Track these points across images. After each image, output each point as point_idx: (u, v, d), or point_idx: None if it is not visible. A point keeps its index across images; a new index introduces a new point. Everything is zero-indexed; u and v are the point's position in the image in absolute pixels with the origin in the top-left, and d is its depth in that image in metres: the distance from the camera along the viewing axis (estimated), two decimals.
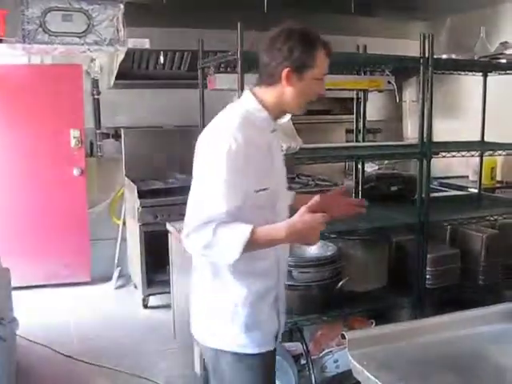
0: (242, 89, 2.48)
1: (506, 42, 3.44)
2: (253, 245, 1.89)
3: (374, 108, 5.99)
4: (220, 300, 2.08)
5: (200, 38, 3.10)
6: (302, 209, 1.93)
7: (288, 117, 2.56)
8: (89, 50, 4.50)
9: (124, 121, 5.62)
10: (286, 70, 1.97)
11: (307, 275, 2.82)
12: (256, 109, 2.05)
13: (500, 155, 3.67)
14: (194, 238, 1.91)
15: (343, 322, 3.22)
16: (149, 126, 5.63)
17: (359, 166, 3.64)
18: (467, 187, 4.77)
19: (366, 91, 3.61)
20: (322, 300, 2.87)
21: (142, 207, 4.77)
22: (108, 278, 5.60)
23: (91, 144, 5.59)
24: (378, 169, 4.76)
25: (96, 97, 5.53)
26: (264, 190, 2.01)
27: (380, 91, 5.45)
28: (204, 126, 3.15)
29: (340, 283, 2.87)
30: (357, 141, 3.66)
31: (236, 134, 1.93)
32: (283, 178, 2.21)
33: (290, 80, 1.99)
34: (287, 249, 2.23)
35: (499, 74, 3.62)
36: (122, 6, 4.49)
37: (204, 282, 2.14)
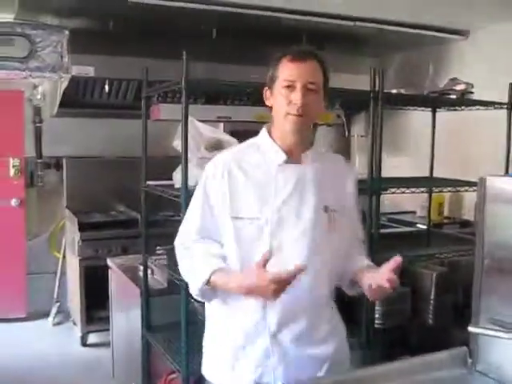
0: (187, 120, 2.37)
1: (455, 79, 3.43)
2: (214, 288, 1.94)
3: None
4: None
5: (144, 67, 2.98)
6: (255, 265, 1.82)
7: None
8: (30, 75, 4.32)
9: (66, 150, 5.43)
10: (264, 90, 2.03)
11: None
12: (264, 141, 2.06)
13: (449, 191, 3.64)
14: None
15: None
16: (92, 156, 5.47)
17: None
18: (416, 223, 4.73)
19: (315, 125, 3.54)
20: None
21: (82, 241, 4.58)
22: (46, 314, 5.35)
23: (31, 174, 5.39)
24: None
25: (38, 125, 5.36)
26: (247, 218, 1.97)
27: (329, 125, 5.48)
28: (147, 157, 3.08)
29: None
30: None
31: (219, 159, 2.04)
32: (295, 213, 2.01)
33: (268, 98, 2.03)
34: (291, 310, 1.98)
35: (448, 109, 3.62)
36: (66, 32, 4.34)
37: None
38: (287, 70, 1.95)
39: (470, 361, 1.89)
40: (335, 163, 2.18)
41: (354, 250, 2.14)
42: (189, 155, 2.47)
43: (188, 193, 2.44)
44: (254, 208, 1.98)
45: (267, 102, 2.04)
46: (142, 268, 3.17)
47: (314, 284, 2.00)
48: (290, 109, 1.94)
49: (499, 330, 1.72)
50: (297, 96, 1.92)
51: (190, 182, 2.55)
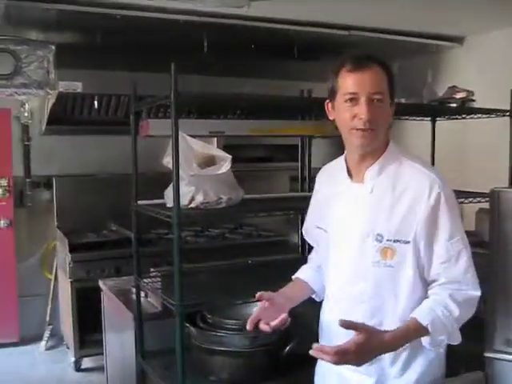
0: (177, 135, 2.23)
1: (455, 87, 3.31)
2: None
3: (320, 155, 5.84)
4: None
5: (133, 81, 2.85)
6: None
7: (227, 167, 2.37)
8: (16, 93, 4.18)
9: (56, 169, 5.31)
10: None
11: (250, 339, 2.54)
12: (338, 160, 2.05)
13: None
14: None
15: None
16: (82, 174, 5.33)
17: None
18: None
19: (311, 137, 3.43)
20: (268, 366, 2.59)
21: (74, 262, 4.43)
22: (39, 338, 5.20)
23: (21, 193, 5.24)
24: None
25: (26, 143, 5.22)
26: (322, 229, 2.06)
27: (325, 137, 5.35)
28: (137, 175, 2.94)
29: (288, 347, 2.61)
30: (302, 188, 3.46)
31: (319, 173, 2.21)
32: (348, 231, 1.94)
33: (330, 112, 1.94)
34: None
35: (448, 118, 3.50)
36: (53, 47, 4.21)
37: None
38: (348, 82, 1.82)
39: None
40: (408, 179, 1.86)
41: (420, 293, 1.86)
42: (180, 173, 2.33)
43: (180, 212, 2.31)
44: (324, 220, 2.05)
45: (330, 116, 1.95)
46: (134, 291, 3.03)
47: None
48: (356, 123, 1.81)
49: None
50: (362, 110, 1.79)
51: (183, 201, 2.42)
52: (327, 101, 1.93)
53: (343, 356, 1.64)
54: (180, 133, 2.34)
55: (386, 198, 1.85)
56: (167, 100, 2.25)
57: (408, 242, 1.80)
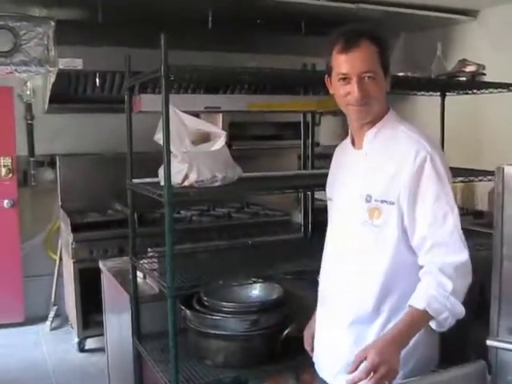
0: (168, 110, 2.13)
1: (465, 60, 3.17)
2: None
3: (328, 132, 5.73)
4: None
5: (127, 55, 2.75)
6: None
7: (221, 143, 2.29)
8: (16, 70, 4.08)
9: (60, 148, 5.20)
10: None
11: (248, 323, 2.46)
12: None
13: (461, 182, 3.39)
14: None
15: (293, 374, 2.86)
16: (87, 153, 5.23)
17: (309, 196, 3.33)
18: None
19: (314, 113, 3.31)
20: (266, 350, 2.52)
21: (76, 242, 4.36)
22: (44, 318, 5.16)
23: (24, 173, 5.16)
24: None
25: (29, 122, 5.13)
26: (331, 199, 2.12)
27: (335, 114, 5.23)
28: (132, 153, 2.84)
29: (286, 330, 2.52)
30: (305, 167, 3.36)
31: (336, 149, 2.22)
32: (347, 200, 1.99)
33: (328, 86, 1.99)
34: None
35: (458, 93, 3.36)
36: (52, 23, 4.10)
37: None
38: (339, 63, 1.87)
39: (489, 377, 1.65)
40: (396, 143, 1.90)
41: (404, 256, 1.86)
42: (172, 150, 2.24)
43: (172, 191, 2.21)
44: (330, 189, 2.15)
45: (330, 91, 1.99)
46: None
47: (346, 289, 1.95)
48: (350, 100, 1.87)
49: None
50: (354, 89, 1.84)
51: (175, 179, 2.32)
52: (326, 76, 1.98)
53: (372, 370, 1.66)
54: (172, 108, 2.25)
55: (377, 160, 1.91)
56: (157, 74, 2.16)
57: (393, 203, 1.82)
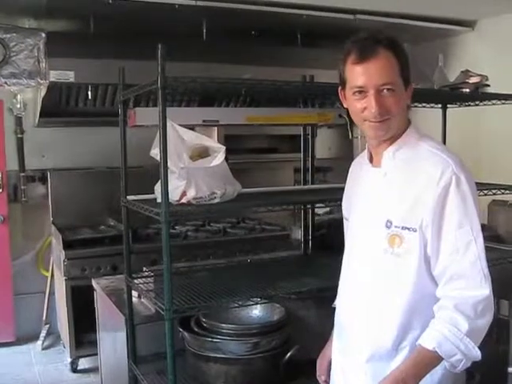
0: (165, 124, 2.04)
1: (468, 71, 3.09)
2: None
3: (324, 145, 5.66)
4: None
5: (121, 67, 2.66)
6: None
7: (221, 158, 2.19)
8: (6, 83, 3.98)
9: (51, 162, 5.10)
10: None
11: (249, 345, 2.35)
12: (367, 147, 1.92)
13: None
14: None
15: None
16: (79, 167, 5.12)
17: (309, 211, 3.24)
18: None
19: (314, 126, 3.22)
20: (268, 374, 2.41)
21: (68, 259, 4.22)
22: (35, 337, 5.04)
23: (15, 188, 5.04)
24: (330, 211, 4.33)
25: (19, 136, 5.02)
26: (347, 219, 2.01)
27: (330, 127, 5.14)
28: (126, 169, 2.74)
29: (289, 353, 2.42)
30: (305, 181, 3.26)
31: (352, 163, 2.07)
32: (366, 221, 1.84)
33: (342, 100, 1.83)
34: None
35: (460, 105, 3.28)
36: (43, 35, 4.01)
37: None
38: (354, 75, 1.70)
39: None
40: (418, 163, 1.73)
41: (428, 288, 1.71)
42: (170, 165, 2.14)
43: (169, 209, 2.11)
44: (348, 211, 2.02)
45: (344, 104, 1.83)
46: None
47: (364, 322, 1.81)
48: (367, 115, 1.70)
49: None
50: (371, 103, 1.68)
51: (172, 196, 2.22)
52: (339, 88, 1.83)
53: None
54: (169, 122, 2.15)
55: (398, 182, 1.75)
56: (154, 86, 2.06)
57: (415, 231, 1.67)
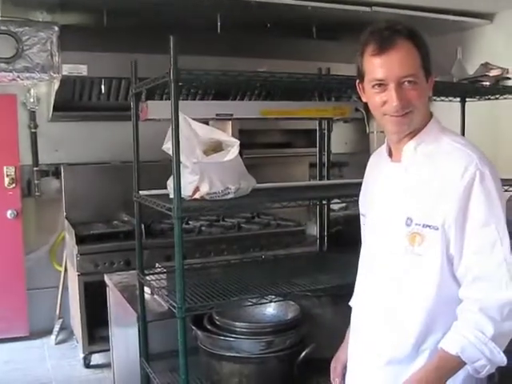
0: (177, 118, 1.99)
1: (488, 64, 3.02)
2: None
3: (340, 140, 5.59)
4: None
5: (133, 60, 2.61)
6: None
7: (235, 153, 2.13)
8: (19, 77, 3.95)
9: (65, 157, 5.08)
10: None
11: (262, 344, 2.30)
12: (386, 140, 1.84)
13: None
14: None
15: None
16: (93, 162, 5.10)
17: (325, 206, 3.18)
18: None
19: (330, 120, 3.16)
20: (282, 374, 2.36)
21: (81, 254, 4.21)
22: (49, 332, 5.03)
23: (28, 183, 5.03)
24: (346, 207, 4.27)
25: (33, 130, 5.00)
26: (364, 215, 1.94)
27: (346, 121, 5.08)
28: (138, 161, 2.70)
29: (304, 352, 2.37)
30: (320, 176, 3.21)
31: (371, 157, 2.00)
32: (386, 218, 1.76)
33: (361, 93, 1.76)
34: None
35: (479, 98, 3.21)
36: (56, 28, 3.97)
37: None
38: (373, 67, 1.63)
39: None
40: (440, 158, 1.65)
41: (450, 289, 1.63)
42: (182, 160, 2.09)
43: (181, 205, 2.07)
44: (365, 205, 1.95)
45: (362, 99, 1.76)
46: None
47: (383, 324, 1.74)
48: (387, 109, 1.63)
49: None
50: (392, 97, 1.60)
51: (185, 191, 2.18)
52: (357, 81, 1.75)
53: None
54: (182, 115, 2.11)
55: (418, 177, 1.67)
56: (166, 79, 2.01)
57: (437, 229, 1.59)
